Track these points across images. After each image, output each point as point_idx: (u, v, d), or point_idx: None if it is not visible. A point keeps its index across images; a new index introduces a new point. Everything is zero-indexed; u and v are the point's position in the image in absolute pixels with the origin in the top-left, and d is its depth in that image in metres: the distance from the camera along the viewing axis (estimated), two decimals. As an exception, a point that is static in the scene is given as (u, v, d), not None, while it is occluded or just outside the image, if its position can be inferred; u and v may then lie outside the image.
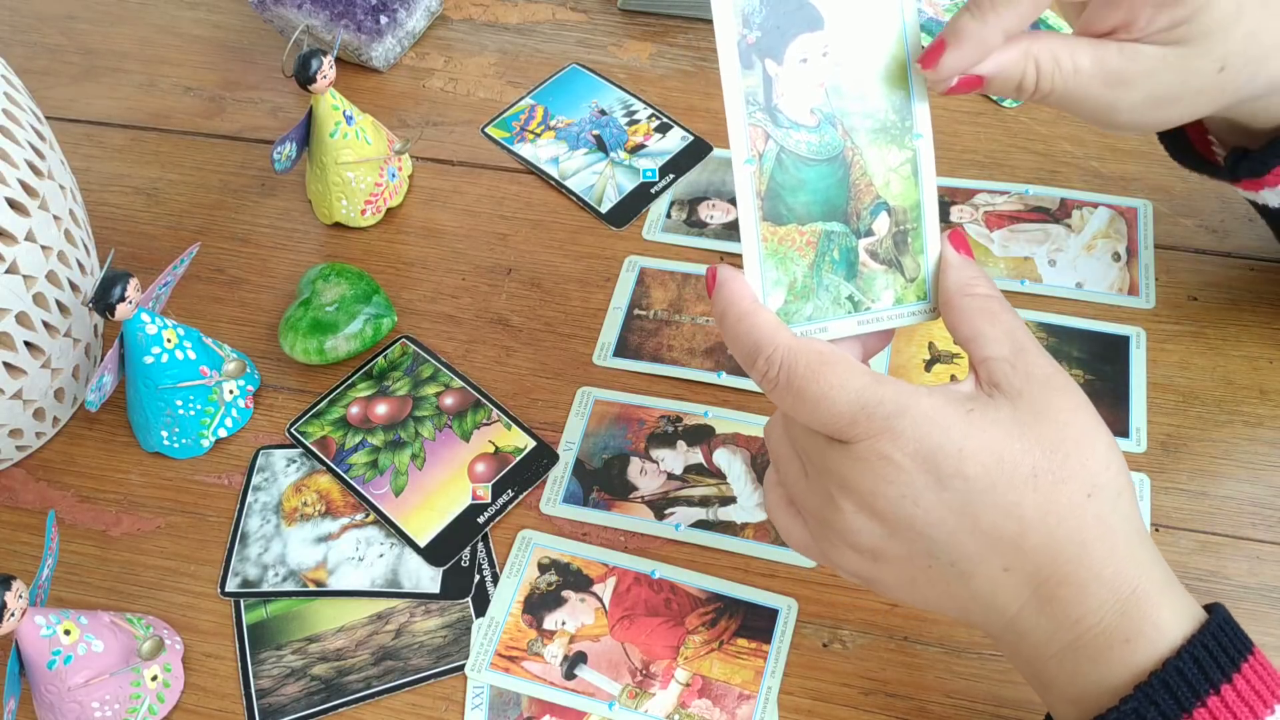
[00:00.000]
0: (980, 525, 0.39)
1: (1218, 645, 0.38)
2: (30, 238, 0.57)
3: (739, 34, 0.41)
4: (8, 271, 0.56)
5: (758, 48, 0.41)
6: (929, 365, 0.61)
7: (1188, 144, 0.57)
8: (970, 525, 0.39)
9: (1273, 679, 0.38)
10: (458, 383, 0.63)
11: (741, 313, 0.42)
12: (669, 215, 0.70)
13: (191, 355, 0.60)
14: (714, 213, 0.70)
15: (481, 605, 0.56)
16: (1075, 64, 0.44)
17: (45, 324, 0.59)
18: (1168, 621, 0.39)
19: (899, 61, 0.42)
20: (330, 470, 0.61)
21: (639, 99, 0.76)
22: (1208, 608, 0.40)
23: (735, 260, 0.67)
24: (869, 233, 0.44)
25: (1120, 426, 0.58)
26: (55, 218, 0.59)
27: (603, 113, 0.76)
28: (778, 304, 0.43)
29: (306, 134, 0.69)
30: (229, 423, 0.63)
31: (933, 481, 0.39)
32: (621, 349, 0.64)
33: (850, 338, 0.44)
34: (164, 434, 0.62)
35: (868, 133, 0.43)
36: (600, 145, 0.74)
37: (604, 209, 0.71)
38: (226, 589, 0.58)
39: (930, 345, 0.62)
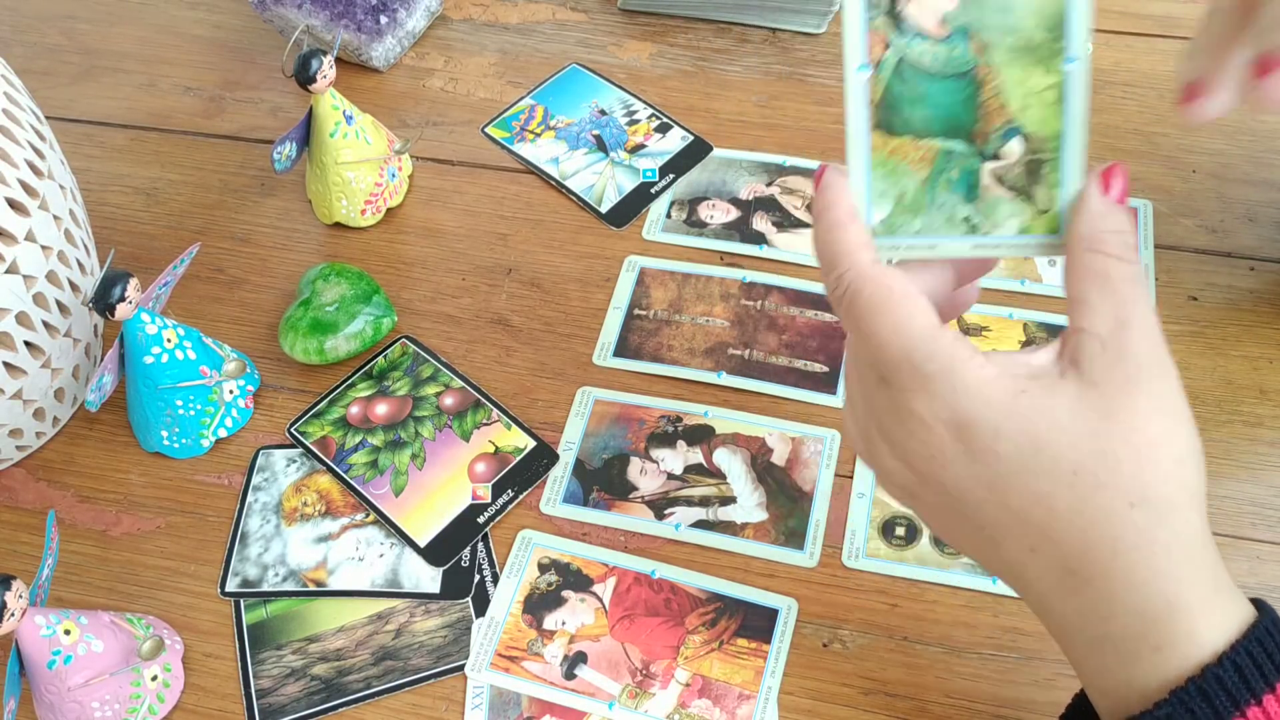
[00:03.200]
0: (1008, 503, 0.38)
1: (1263, 651, 0.36)
2: (30, 238, 0.57)
3: None
4: (8, 271, 0.56)
5: None
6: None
7: None
8: (999, 500, 0.38)
9: None
10: (458, 383, 0.64)
11: (832, 222, 0.39)
12: (669, 215, 0.70)
13: (191, 355, 0.60)
14: (714, 213, 0.70)
15: (481, 605, 0.56)
16: None
17: (45, 324, 0.59)
18: (1205, 634, 0.37)
19: None
20: (330, 470, 0.61)
21: (639, 99, 0.76)
22: (1255, 602, 0.38)
23: (733, 258, 0.68)
24: (996, 156, 0.39)
25: (1120, 426, 0.58)
26: (55, 218, 0.59)
27: (603, 113, 0.76)
28: (881, 216, 0.40)
29: (306, 134, 0.69)
30: (229, 423, 0.63)
31: (963, 450, 0.38)
32: (621, 349, 0.64)
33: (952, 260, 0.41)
34: (164, 434, 0.62)
35: (1008, 50, 0.38)
36: (600, 145, 0.74)
37: (604, 209, 0.71)
38: (226, 589, 0.58)
39: (930, 345, 0.62)
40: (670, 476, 0.59)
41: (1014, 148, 0.39)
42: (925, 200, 0.40)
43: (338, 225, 0.72)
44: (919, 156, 0.39)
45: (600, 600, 0.55)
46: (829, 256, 0.39)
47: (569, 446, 0.61)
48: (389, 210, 0.72)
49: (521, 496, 0.59)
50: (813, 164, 0.71)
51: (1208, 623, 0.37)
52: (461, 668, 0.54)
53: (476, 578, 0.57)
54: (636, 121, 0.75)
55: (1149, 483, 0.36)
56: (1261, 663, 0.36)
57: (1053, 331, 0.62)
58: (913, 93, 0.39)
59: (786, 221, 0.68)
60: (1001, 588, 0.53)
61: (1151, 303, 0.37)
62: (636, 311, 0.66)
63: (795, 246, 0.67)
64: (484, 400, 0.63)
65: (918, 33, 0.38)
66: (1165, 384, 0.37)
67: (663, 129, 0.74)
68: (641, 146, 0.73)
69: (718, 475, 0.59)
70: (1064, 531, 0.37)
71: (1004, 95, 0.38)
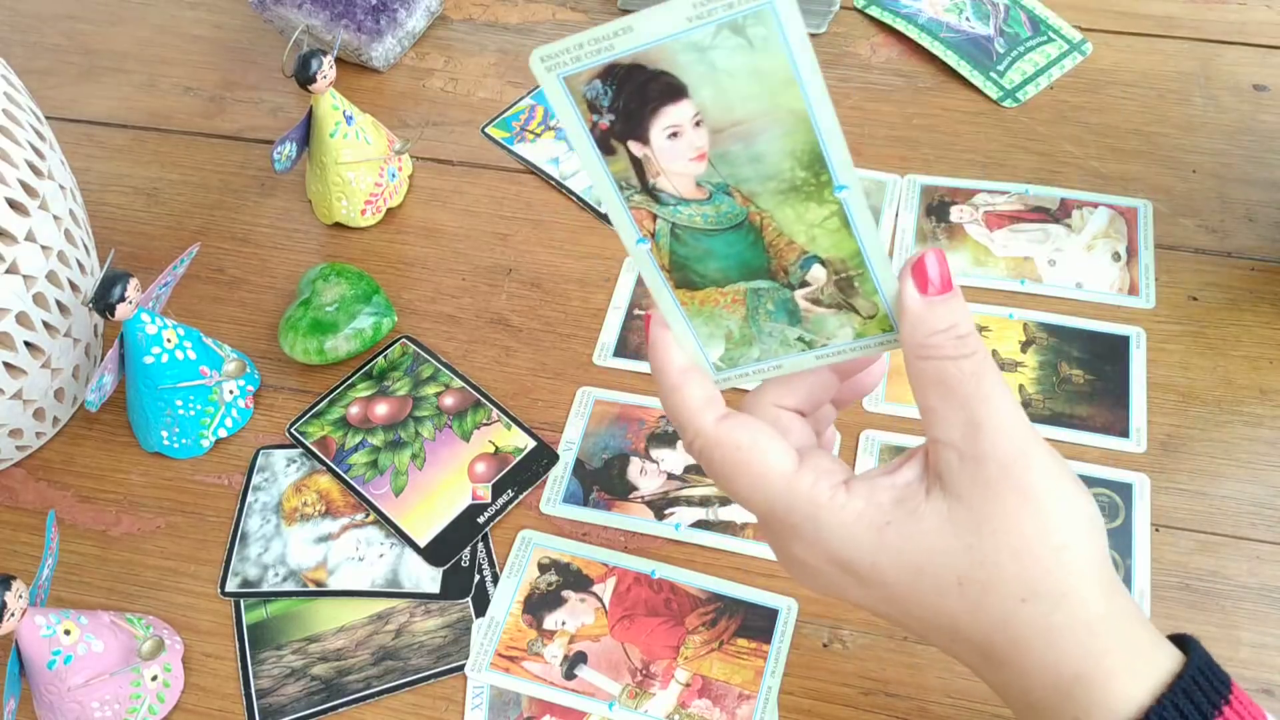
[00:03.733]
0: (911, 613, 0.38)
1: (1189, 703, 0.36)
2: (30, 238, 0.57)
3: (588, 123, 0.36)
4: (8, 271, 0.56)
5: (615, 132, 0.36)
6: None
7: None
8: (902, 611, 0.39)
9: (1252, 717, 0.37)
10: (458, 383, 0.64)
11: (669, 388, 0.40)
12: (669, 215, 0.70)
13: (191, 355, 0.60)
14: (714, 213, 0.69)
15: (481, 605, 0.56)
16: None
17: (45, 324, 0.59)
18: (1123, 698, 0.36)
19: (796, 113, 0.35)
20: (330, 470, 0.61)
21: (639, 99, 0.76)
22: (1185, 643, 0.38)
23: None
24: (804, 284, 0.39)
25: (1120, 426, 0.58)
26: (55, 218, 0.59)
27: (603, 113, 0.76)
28: (718, 354, 0.40)
29: (306, 134, 0.69)
30: (229, 423, 0.63)
31: (853, 581, 0.38)
32: (621, 349, 0.64)
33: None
34: (164, 434, 0.62)
35: (774, 195, 0.37)
36: (600, 145, 0.74)
37: (604, 209, 0.71)
38: (226, 589, 0.58)
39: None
40: (670, 476, 0.59)
41: (817, 274, 0.39)
42: (753, 332, 0.40)
43: (338, 225, 0.72)
44: (730, 300, 0.40)
45: (600, 600, 0.55)
46: (677, 422, 0.40)
47: (569, 446, 0.61)
48: (389, 210, 0.72)
49: (521, 496, 0.59)
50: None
51: (1124, 688, 0.37)
52: (461, 668, 0.54)
53: (476, 578, 0.57)
54: (636, 121, 0.75)
55: (1035, 578, 0.36)
56: (1189, 714, 0.36)
57: (1052, 331, 0.62)
58: (696, 251, 0.39)
59: (786, 221, 0.68)
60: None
61: (1001, 388, 0.37)
62: (636, 312, 0.66)
63: (795, 246, 0.67)
64: (484, 400, 0.63)
65: (679, 200, 0.38)
66: (1033, 474, 0.36)
67: (663, 129, 0.74)
68: (641, 146, 0.73)
69: (718, 475, 0.59)
70: (967, 631, 0.38)
71: (788, 232, 0.38)
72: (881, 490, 0.38)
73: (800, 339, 0.40)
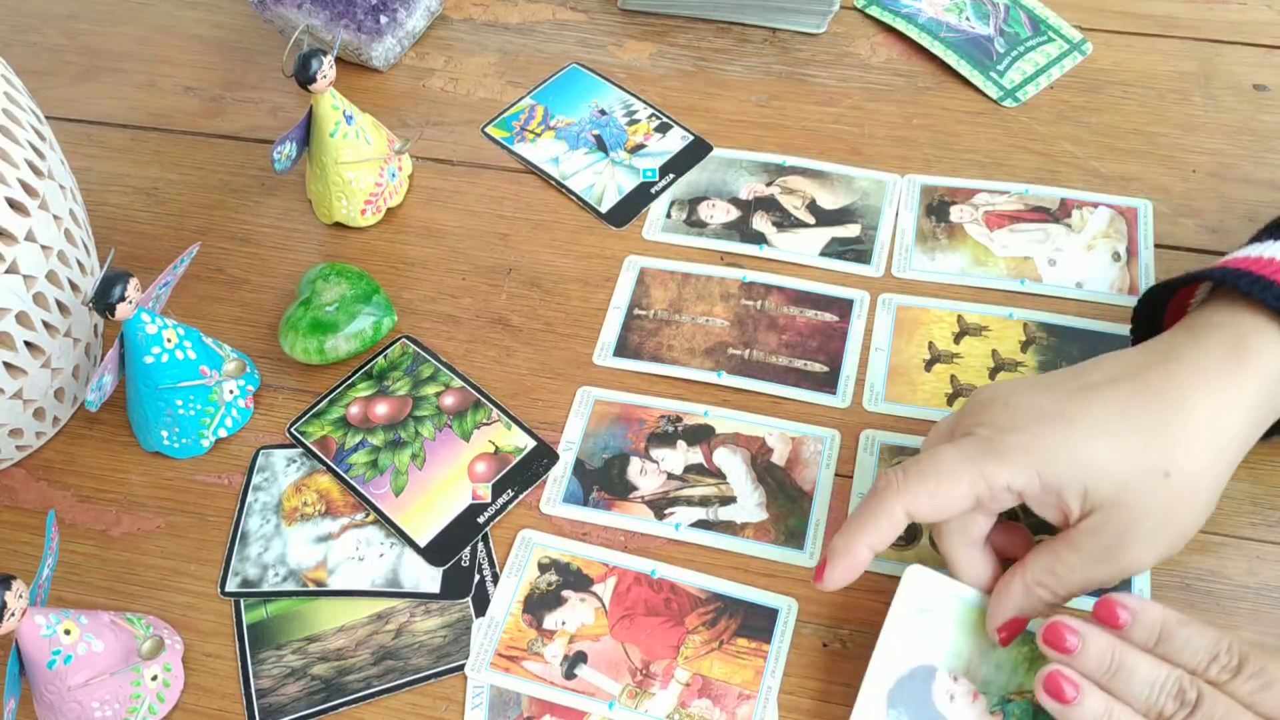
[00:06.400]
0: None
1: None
2: (30, 238, 0.57)
3: None
4: (8, 271, 0.56)
5: None
6: (929, 365, 0.61)
7: None
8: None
9: None
10: (458, 383, 0.64)
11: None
12: (669, 215, 0.70)
13: (191, 355, 0.60)
14: (714, 212, 0.70)
15: (481, 605, 0.56)
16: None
17: (45, 324, 0.59)
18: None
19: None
20: (330, 470, 0.61)
21: (639, 99, 0.76)
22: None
23: (733, 258, 0.68)
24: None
25: (1120, 426, 0.58)
26: (55, 218, 0.59)
27: (603, 113, 0.76)
28: None
29: (306, 134, 0.69)
30: (229, 423, 0.63)
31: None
32: (621, 349, 0.64)
33: None
34: (164, 434, 0.62)
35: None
36: (600, 145, 0.74)
37: (604, 209, 0.71)
38: (226, 589, 0.58)
39: (930, 345, 0.62)
40: (670, 476, 0.59)
41: None
42: None
43: (338, 225, 0.72)
44: None
45: (600, 600, 0.55)
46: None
47: (569, 446, 0.61)
48: (389, 210, 0.72)
49: (521, 496, 0.59)
50: (813, 164, 0.71)
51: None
52: (461, 668, 0.54)
53: (476, 578, 0.57)
54: (636, 121, 0.75)
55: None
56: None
57: (1052, 331, 0.62)
58: None
59: (786, 221, 0.68)
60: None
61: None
62: (636, 311, 0.66)
63: (795, 246, 0.67)
64: (484, 400, 0.63)
65: None
66: None
67: (663, 129, 0.74)
68: (641, 146, 0.73)
69: (718, 475, 0.59)
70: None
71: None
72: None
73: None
